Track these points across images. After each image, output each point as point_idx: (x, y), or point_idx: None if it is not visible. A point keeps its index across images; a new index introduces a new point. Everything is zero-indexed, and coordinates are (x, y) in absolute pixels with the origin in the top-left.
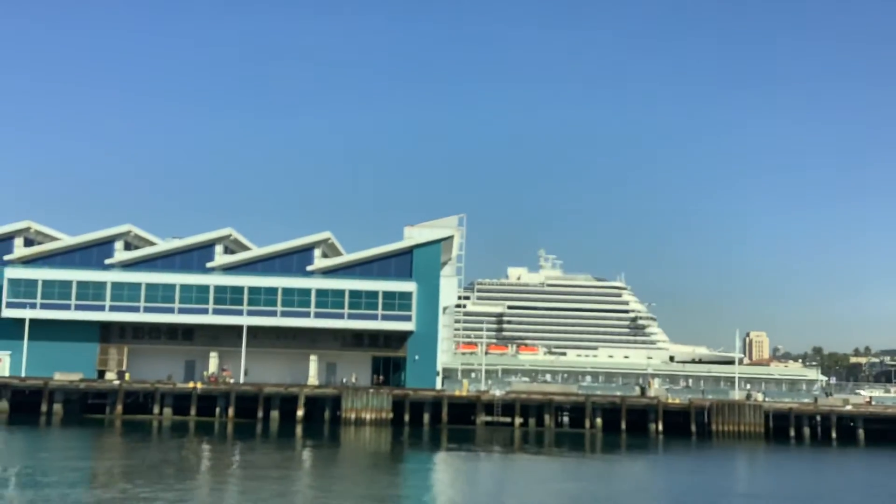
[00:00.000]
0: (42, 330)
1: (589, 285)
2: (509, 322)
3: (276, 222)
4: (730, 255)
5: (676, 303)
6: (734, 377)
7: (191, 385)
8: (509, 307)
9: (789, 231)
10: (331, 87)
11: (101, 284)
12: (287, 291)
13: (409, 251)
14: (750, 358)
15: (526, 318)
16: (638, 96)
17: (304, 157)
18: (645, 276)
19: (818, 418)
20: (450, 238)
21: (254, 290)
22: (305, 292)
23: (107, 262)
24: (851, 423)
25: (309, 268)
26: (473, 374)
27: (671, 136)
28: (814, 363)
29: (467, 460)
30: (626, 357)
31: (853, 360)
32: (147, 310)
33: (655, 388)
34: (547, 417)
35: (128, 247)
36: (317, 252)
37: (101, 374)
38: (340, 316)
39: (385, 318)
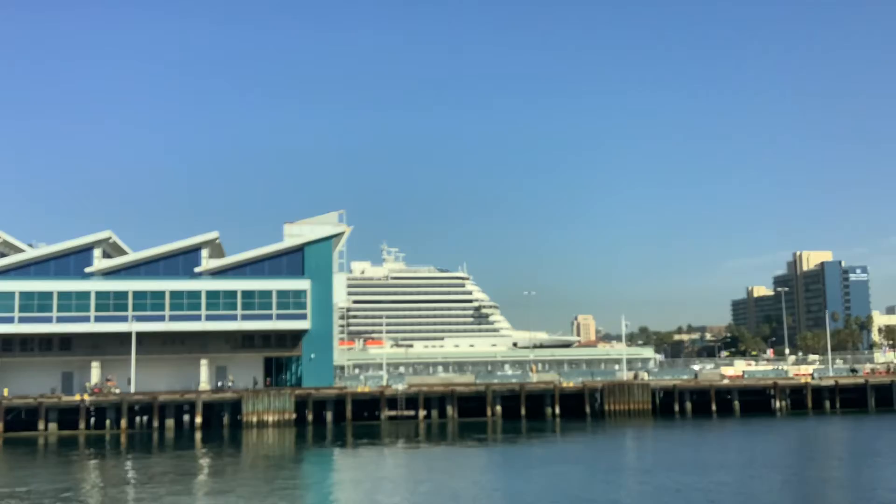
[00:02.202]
0: None
1: (432, 276)
2: (355, 316)
3: (144, 227)
4: (552, 240)
5: (512, 290)
6: (576, 359)
7: (78, 397)
8: (355, 301)
9: (610, 215)
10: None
11: None
12: (175, 294)
13: (300, 249)
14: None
15: (371, 311)
16: (468, 88)
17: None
18: (484, 265)
19: (700, 393)
20: (340, 234)
21: (139, 295)
22: (195, 294)
23: None
24: (728, 396)
25: (197, 269)
26: (357, 370)
27: (501, 124)
28: (640, 342)
29: (371, 455)
30: (472, 346)
31: (676, 337)
32: (22, 320)
33: (538, 374)
34: (449, 408)
35: None
36: (204, 252)
37: None
38: (233, 318)
39: (280, 317)
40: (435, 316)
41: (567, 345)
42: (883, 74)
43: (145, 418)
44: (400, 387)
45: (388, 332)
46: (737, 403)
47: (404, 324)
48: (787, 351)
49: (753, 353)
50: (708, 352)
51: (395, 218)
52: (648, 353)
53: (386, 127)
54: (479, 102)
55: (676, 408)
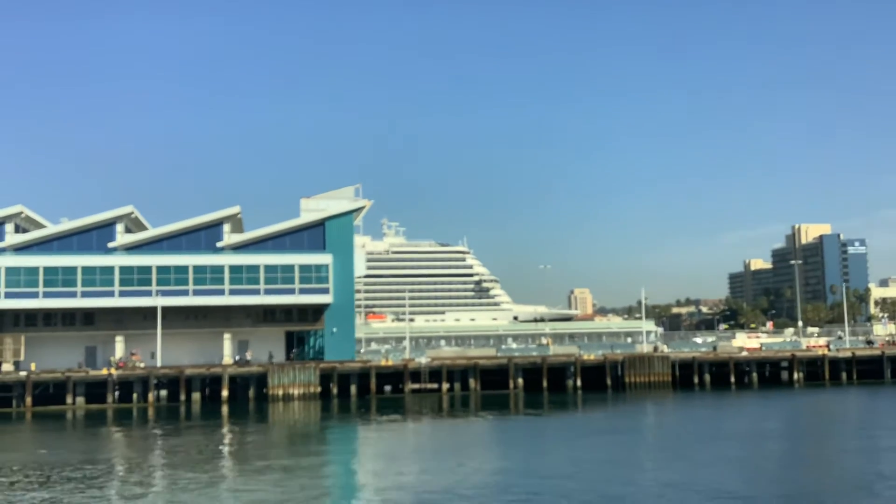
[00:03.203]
0: None
1: (433, 251)
2: (357, 291)
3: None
4: (547, 214)
5: (510, 263)
6: (578, 332)
7: (105, 371)
8: (356, 276)
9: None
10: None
11: None
12: (199, 269)
13: (321, 223)
14: None
15: (373, 286)
16: (462, 60)
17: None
18: (484, 239)
19: (719, 365)
20: (361, 209)
21: (163, 270)
22: (218, 269)
23: None
24: (746, 368)
25: (219, 244)
26: (373, 344)
27: (501, 99)
28: (638, 315)
29: (396, 427)
30: (473, 320)
31: (675, 310)
32: (47, 295)
33: (554, 347)
34: (472, 381)
35: (17, 229)
36: (226, 227)
37: None
38: (256, 292)
39: (302, 291)
40: (436, 290)
41: (568, 318)
42: (880, 46)
43: (171, 392)
44: (423, 360)
45: (389, 306)
46: (755, 375)
47: (404, 298)
48: (799, 323)
49: (752, 325)
50: (706, 325)
51: (395, 193)
52: (649, 325)
53: (382, 103)
54: (479, 77)
55: (696, 380)
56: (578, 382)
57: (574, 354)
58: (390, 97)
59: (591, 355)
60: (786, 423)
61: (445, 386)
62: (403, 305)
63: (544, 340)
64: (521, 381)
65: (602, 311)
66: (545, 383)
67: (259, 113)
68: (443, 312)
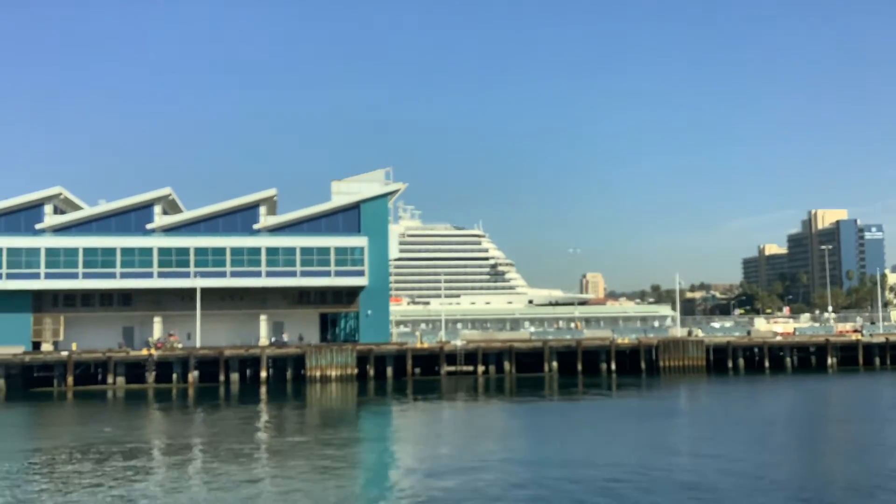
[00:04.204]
0: None
1: (448, 234)
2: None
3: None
4: (559, 198)
5: (523, 247)
6: (595, 317)
7: (145, 352)
8: (390, 259)
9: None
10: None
11: (35, 251)
12: (236, 251)
13: (356, 206)
14: None
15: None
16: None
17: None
18: (499, 223)
19: (753, 350)
20: (396, 191)
21: (200, 251)
22: (255, 251)
23: (37, 227)
24: (780, 353)
25: (255, 226)
26: (402, 326)
27: (517, 83)
28: (651, 300)
29: (432, 409)
30: (488, 303)
31: (688, 295)
32: (86, 276)
33: (586, 330)
34: (507, 364)
35: (56, 211)
36: (262, 210)
37: (36, 345)
38: (292, 274)
39: (338, 274)
40: (451, 273)
41: (583, 302)
42: None
43: (210, 372)
44: (458, 343)
45: (404, 289)
46: (789, 360)
47: (421, 281)
48: (829, 308)
49: (768, 311)
50: (721, 310)
51: (410, 176)
52: (665, 310)
53: (400, 86)
54: (499, 62)
55: (730, 364)
56: (613, 366)
57: (608, 338)
58: (401, 80)
59: (625, 339)
60: (826, 406)
61: (481, 368)
62: (420, 289)
63: (573, 325)
64: (555, 364)
65: (613, 296)
66: (580, 366)
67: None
68: (458, 296)
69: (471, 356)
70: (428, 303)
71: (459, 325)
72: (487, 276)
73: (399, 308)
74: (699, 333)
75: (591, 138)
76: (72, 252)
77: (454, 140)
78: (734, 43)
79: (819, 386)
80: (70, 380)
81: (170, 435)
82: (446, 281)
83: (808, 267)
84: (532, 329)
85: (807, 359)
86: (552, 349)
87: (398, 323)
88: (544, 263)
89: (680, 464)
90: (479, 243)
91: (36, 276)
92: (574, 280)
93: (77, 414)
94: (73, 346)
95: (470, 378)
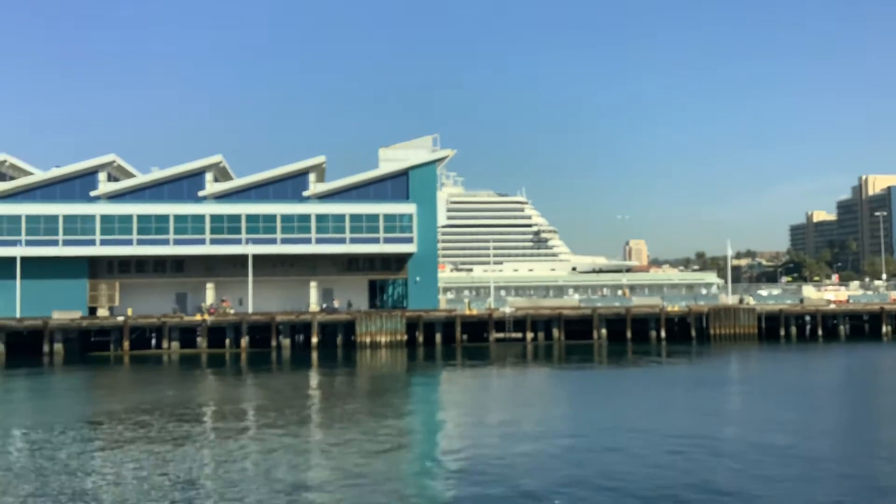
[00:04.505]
0: (27, 268)
1: (491, 201)
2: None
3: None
4: (602, 164)
5: (567, 215)
6: (639, 284)
7: (199, 317)
8: (438, 226)
9: (659, 141)
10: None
11: (90, 218)
12: (286, 218)
13: (404, 173)
14: None
15: None
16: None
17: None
18: (541, 190)
19: (805, 318)
20: (444, 158)
21: (252, 218)
22: (305, 218)
23: (92, 194)
24: (834, 321)
25: (305, 193)
26: (448, 293)
27: (560, 47)
28: (696, 267)
29: (481, 375)
30: (531, 270)
31: (734, 262)
32: (140, 242)
33: (633, 297)
34: (555, 331)
35: (110, 178)
36: (311, 177)
37: (92, 310)
38: (342, 241)
39: (387, 241)
40: (494, 240)
41: (627, 269)
42: None
43: (262, 338)
44: (507, 310)
45: (448, 256)
46: (842, 328)
47: (464, 248)
48: (883, 276)
49: (816, 278)
50: (767, 277)
51: (455, 143)
52: (711, 277)
53: (445, 50)
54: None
55: (782, 332)
56: (662, 333)
57: (658, 305)
58: (445, 46)
59: (675, 306)
60: (881, 374)
61: (529, 335)
62: (463, 256)
63: (620, 292)
64: (604, 331)
65: (656, 263)
66: (629, 334)
67: (322, 66)
68: (501, 263)
69: (519, 323)
70: (471, 270)
71: (503, 293)
72: (530, 243)
73: (443, 275)
74: (750, 301)
75: (635, 103)
76: (126, 219)
77: (496, 106)
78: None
79: (874, 354)
80: (126, 344)
81: (225, 399)
82: (489, 248)
83: (857, 234)
84: (576, 296)
85: (860, 327)
86: (601, 316)
87: (444, 290)
88: (587, 231)
89: (739, 431)
90: (522, 210)
91: (91, 242)
92: (617, 247)
93: (135, 378)
94: (129, 312)
95: (518, 345)
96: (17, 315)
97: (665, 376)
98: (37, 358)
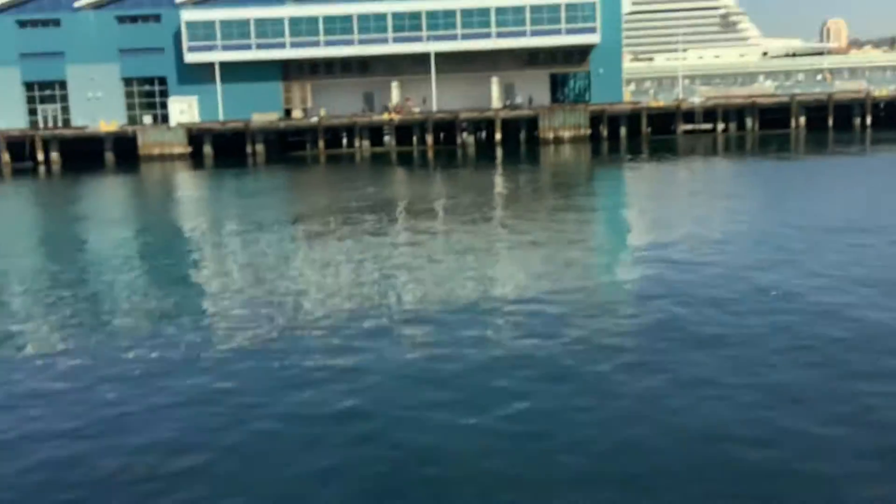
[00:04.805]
0: (225, 73)
1: None
2: None
3: None
4: None
5: None
6: (839, 68)
7: (387, 116)
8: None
9: None
10: None
11: (279, 21)
12: (466, 13)
13: None
14: None
15: None
16: None
17: None
18: None
19: None
20: None
21: (432, 15)
22: (484, 12)
23: None
24: None
25: None
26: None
27: None
28: None
29: (669, 168)
30: (717, 57)
31: None
32: (327, 44)
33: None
34: (749, 121)
35: None
36: None
37: (287, 112)
38: (522, 34)
39: (569, 31)
40: (676, 26)
41: (822, 53)
42: None
43: (446, 135)
44: (696, 100)
45: (627, 45)
46: None
47: (643, 35)
48: None
49: None
50: None
51: None
52: None
53: None
54: None
55: None
56: (868, 120)
57: (863, 90)
58: None
59: (883, 91)
60: None
61: (720, 126)
62: (642, 44)
63: (820, 76)
64: (802, 119)
65: (857, 44)
66: (830, 122)
67: None
68: (685, 50)
69: (709, 114)
70: (651, 59)
71: (687, 82)
72: (717, 28)
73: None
74: None
75: None
76: (313, 21)
77: None
78: None
79: None
80: (321, 144)
81: (421, 197)
82: (671, 35)
83: None
84: (767, 83)
85: None
86: (800, 104)
87: (626, 81)
88: (779, 10)
89: None
90: None
91: (282, 45)
92: (813, 28)
93: (334, 176)
94: (322, 112)
95: (708, 136)
96: (220, 118)
97: (872, 166)
98: (240, 158)
